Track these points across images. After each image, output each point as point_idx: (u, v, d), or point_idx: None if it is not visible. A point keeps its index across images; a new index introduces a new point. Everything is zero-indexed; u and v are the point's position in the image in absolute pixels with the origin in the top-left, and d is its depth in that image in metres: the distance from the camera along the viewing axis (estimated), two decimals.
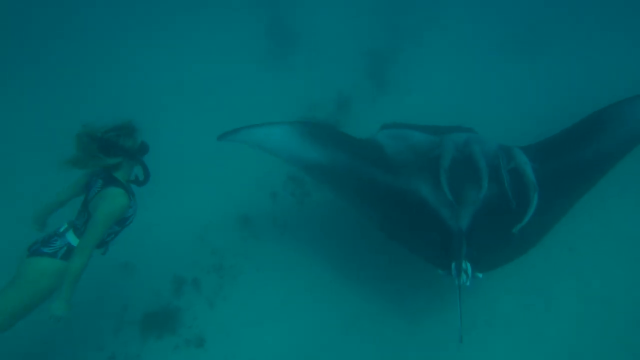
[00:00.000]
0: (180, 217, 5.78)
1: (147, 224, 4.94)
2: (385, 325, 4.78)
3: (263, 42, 8.86)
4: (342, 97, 7.45)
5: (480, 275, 3.88)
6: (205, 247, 5.53)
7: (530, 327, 4.65)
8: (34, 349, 4.44)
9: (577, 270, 5.04)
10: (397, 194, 4.43)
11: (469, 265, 3.80)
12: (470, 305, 4.71)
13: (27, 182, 5.98)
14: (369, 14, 9.47)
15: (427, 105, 7.32)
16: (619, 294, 4.78)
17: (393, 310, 4.92)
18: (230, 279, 5.27)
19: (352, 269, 5.29)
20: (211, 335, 4.71)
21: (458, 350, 4.09)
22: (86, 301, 4.23)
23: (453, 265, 3.81)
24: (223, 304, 5.06)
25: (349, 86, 7.69)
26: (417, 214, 4.30)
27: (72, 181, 3.23)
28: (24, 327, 3.09)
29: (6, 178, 6.17)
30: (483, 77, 8.05)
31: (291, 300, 5.02)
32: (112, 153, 2.96)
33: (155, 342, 4.65)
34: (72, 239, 2.99)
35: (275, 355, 4.57)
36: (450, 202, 4.18)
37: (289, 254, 5.47)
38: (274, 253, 5.49)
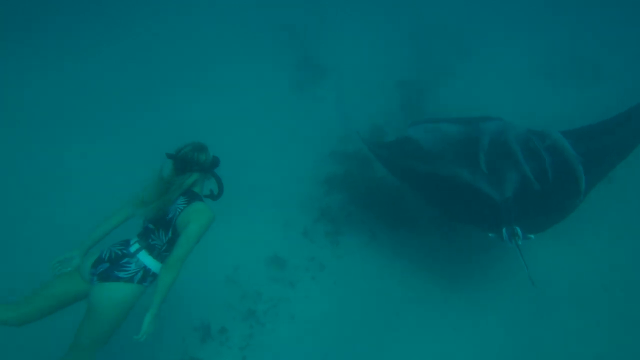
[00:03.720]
0: (207, 258, 5.32)
1: None
2: None
3: (293, 74, 8.63)
4: (376, 127, 7.12)
5: (532, 236, 4.22)
6: (235, 292, 5.09)
7: None
8: None
9: None
10: (439, 181, 4.87)
11: (518, 229, 4.18)
12: None
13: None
14: (400, 45, 9.27)
15: None
16: None
17: None
18: (262, 328, 4.81)
19: (397, 321, 4.85)
20: None
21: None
22: (107, 354, 3.78)
23: (504, 230, 4.22)
24: (253, 356, 4.58)
25: (382, 118, 7.38)
26: (463, 194, 4.73)
27: (124, 202, 3.13)
28: None
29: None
30: (521, 105, 7.67)
31: (331, 354, 4.53)
32: (189, 169, 3.00)
33: None
34: (147, 261, 2.89)
35: None
36: (490, 179, 4.67)
37: (326, 300, 5.04)
38: (310, 298, 5.05)
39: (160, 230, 2.94)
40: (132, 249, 2.92)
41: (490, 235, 4.36)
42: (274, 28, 9.62)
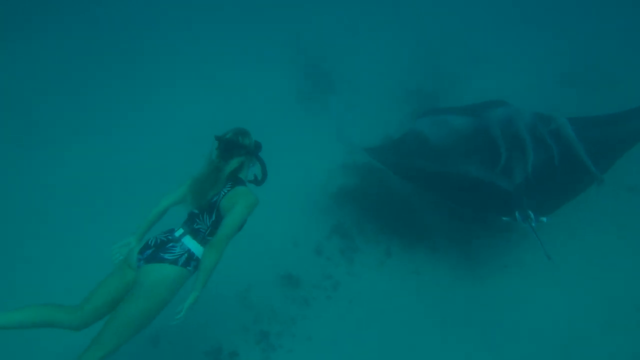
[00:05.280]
0: (218, 278, 5.10)
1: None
2: None
3: (301, 84, 8.52)
4: (387, 137, 6.96)
5: (544, 219, 4.41)
6: (248, 313, 4.88)
7: None
8: None
9: None
10: (449, 178, 4.97)
11: (531, 212, 4.40)
12: None
13: None
14: (410, 53, 9.16)
15: None
16: None
17: None
18: (277, 351, 4.59)
19: (417, 341, 4.63)
20: None
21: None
22: None
23: (517, 213, 4.43)
24: None
25: (394, 127, 7.23)
26: (474, 187, 4.87)
27: (179, 186, 3.25)
28: None
29: None
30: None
31: None
32: (236, 153, 3.08)
33: None
34: (191, 245, 2.94)
35: None
36: (500, 169, 4.85)
37: (344, 320, 4.82)
38: (326, 318, 4.84)
39: (205, 213, 2.99)
40: (177, 234, 2.99)
41: (503, 219, 4.56)
42: (284, 39, 9.61)
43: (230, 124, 5.62)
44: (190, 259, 2.89)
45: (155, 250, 2.89)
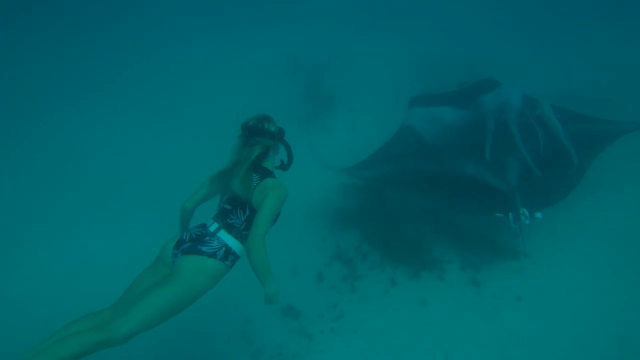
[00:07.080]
0: (215, 311, 4.88)
1: (176, 320, 4.05)
2: None
3: (301, 105, 8.39)
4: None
5: (539, 215, 4.55)
6: (247, 349, 4.61)
7: None
8: None
9: None
10: (444, 178, 5.02)
11: (525, 211, 4.50)
12: None
13: None
14: (410, 71, 9.07)
15: None
16: None
17: None
18: None
19: None
20: None
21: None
22: None
23: (510, 214, 4.54)
24: None
25: None
26: (468, 188, 4.91)
27: (202, 183, 3.23)
28: None
29: None
30: None
31: None
32: (260, 139, 3.09)
33: None
34: (227, 239, 2.92)
35: None
36: (494, 167, 4.89)
37: (350, 352, 4.57)
38: (331, 353, 4.57)
39: (238, 209, 2.99)
40: (212, 228, 2.97)
41: (497, 215, 4.69)
42: (283, 58, 9.58)
43: (230, 144, 5.40)
44: (228, 253, 2.87)
45: (193, 244, 2.88)
